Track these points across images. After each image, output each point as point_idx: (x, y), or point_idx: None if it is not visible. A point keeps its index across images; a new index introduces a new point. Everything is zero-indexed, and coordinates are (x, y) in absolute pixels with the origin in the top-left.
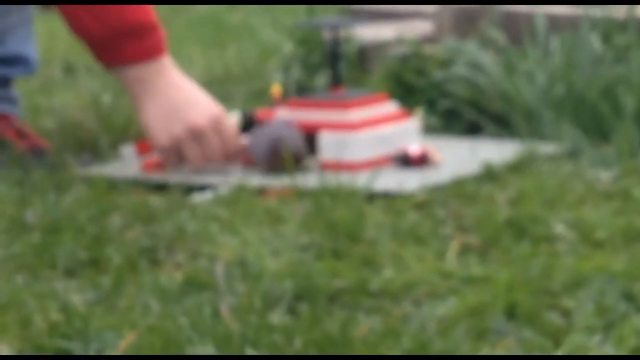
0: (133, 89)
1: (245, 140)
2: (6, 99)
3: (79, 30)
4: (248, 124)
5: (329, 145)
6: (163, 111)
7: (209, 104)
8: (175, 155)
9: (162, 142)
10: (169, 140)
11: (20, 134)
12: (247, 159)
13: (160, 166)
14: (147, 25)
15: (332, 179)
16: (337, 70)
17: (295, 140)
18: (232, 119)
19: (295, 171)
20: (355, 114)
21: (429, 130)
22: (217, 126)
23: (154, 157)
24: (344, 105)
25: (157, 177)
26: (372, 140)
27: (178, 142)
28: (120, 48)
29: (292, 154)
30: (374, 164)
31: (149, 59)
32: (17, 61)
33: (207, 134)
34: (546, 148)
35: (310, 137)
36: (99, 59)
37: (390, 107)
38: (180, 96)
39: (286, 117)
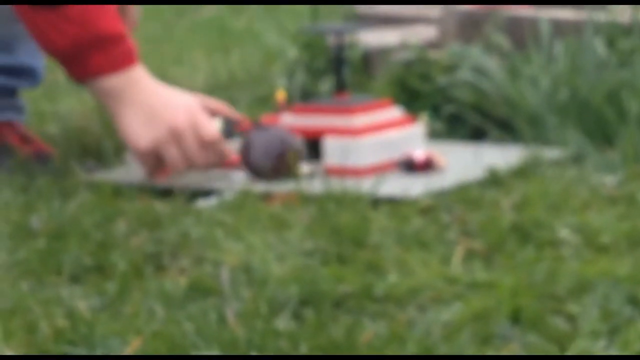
0: (107, 101)
1: (234, 145)
2: (13, 108)
3: (45, 44)
4: (229, 131)
5: (333, 150)
6: (141, 116)
7: (188, 107)
8: (155, 159)
9: (141, 145)
10: (148, 143)
11: (25, 140)
12: (231, 163)
13: (165, 172)
14: (112, 35)
15: (337, 185)
16: (342, 76)
17: (297, 145)
18: (214, 125)
19: (298, 176)
20: (360, 120)
21: (433, 135)
22: (196, 128)
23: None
24: (349, 110)
25: (162, 183)
26: (376, 145)
27: (157, 145)
28: (86, 61)
29: (297, 156)
30: (379, 170)
31: (117, 70)
32: (24, 72)
33: (187, 135)
34: (550, 153)
35: (314, 142)
36: (70, 74)
37: (395, 112)
38: (157, 101)
39: (291, 122)
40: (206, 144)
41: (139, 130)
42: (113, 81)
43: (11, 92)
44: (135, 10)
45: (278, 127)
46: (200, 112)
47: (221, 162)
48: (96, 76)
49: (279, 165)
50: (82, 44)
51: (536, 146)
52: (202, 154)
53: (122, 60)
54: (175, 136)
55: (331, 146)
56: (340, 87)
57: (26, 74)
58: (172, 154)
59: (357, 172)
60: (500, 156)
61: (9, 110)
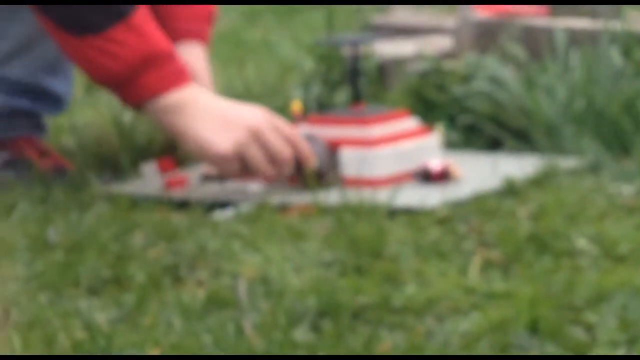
0: (171, 119)
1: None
2: (34, 126)
3: (97, 71)
4: None
5: (350, 161)
6: (215, 123)
7: (259, 109)
8: (238, 162)
9: (222, 150)
10: (230, 147)
11: (43, 154)
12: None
13: (182, 184)
14: (164, 53)
15: (354, 196)
16: (357, 87)
17: (319, 156)
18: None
19: (318, 187)
20: (377, 130)
21: (449, 145)
22: (275, 124)
23: (178, 175)
24: (365, 121)
25: (179, 195)
26: (393, 156)
27: (239, 147)
28: (142, 81)
29: (315, 170)
30: (396, 180)
31: (176, 87)
32: (52, 99)
33: (268, 132)
34: (567, 162)
35: (331, 153)
36: (126, 99)
37: (411, 122)
38: (226, 108)
39: (310, 133)
40: (288, 139)
41: (216, 136)
42: (174, 97)
43: (34, 115)
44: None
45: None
46: (272, 114)
47: (304, 159)
48: (155, 95)
49: (296, 177)
50: (136, 65)
51: (553, 156)
52: (285, 149)
53: (178, 77)
54: (256, 135)
55: (348, 157)
56: (356, 98)
57: (53, 100)
58: (255, 153)
59: (373, 183)
60: (517, 166)
61: (30, 128)
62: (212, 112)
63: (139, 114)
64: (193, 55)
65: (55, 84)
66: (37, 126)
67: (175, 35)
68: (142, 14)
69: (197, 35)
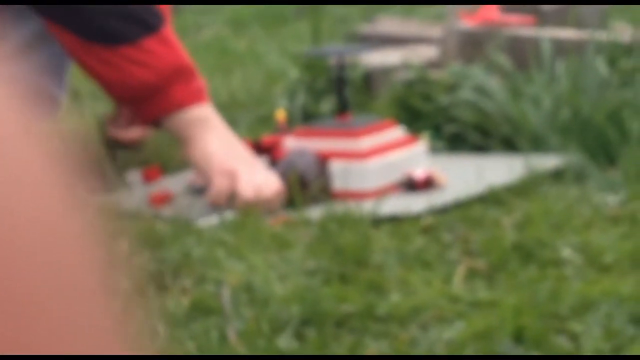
0: (191, 130)
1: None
2: None
3: (126, 81)
4: None
5: (339, 174)
6: (224, 142)
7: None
8: (229, 181)
9: (225, 166)
10: (231, 164)
11: None
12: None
13: (168, 199)
14: (190, 67)
15: (339, 205)
16: (344, 97)
17: (307, 169)
18: None
19: (304, 199)
20: (366, 142)
21: (434, 154)
22: (261, 167)
23: (163, 189)
24: (354, 133)
25: (162, 207)
26: (382, 168)
27: (237, 168)
28: (171, 92)
29: (299, 181)
30: (385, 192)
31: (199, 101)
32: (50, 102)
33: (258, 169)
34: (550, 161)
35: (320, 166)
36: (149, 111)
37: (398, 132)
38: (230, 132)
39: (298, 146)
40: (270, 186)
41: (222, 152)
42: (197, 112)
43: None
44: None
45: (292, 152)
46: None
47: (276, 204)
48: (182, 108)
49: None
50: (168, 76)
51: (536, 157)
52: (267, 189)
53: (201, 92)
54: (249, 165)
55: (337, 170)
56: (343, 108)
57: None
58: (245, 179)
59: (362, 195)
60: (502, 171)
61: None
62: (223, 131)
63: (155, 128)
64: None
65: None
66: None
67: None
68: (169, 29)
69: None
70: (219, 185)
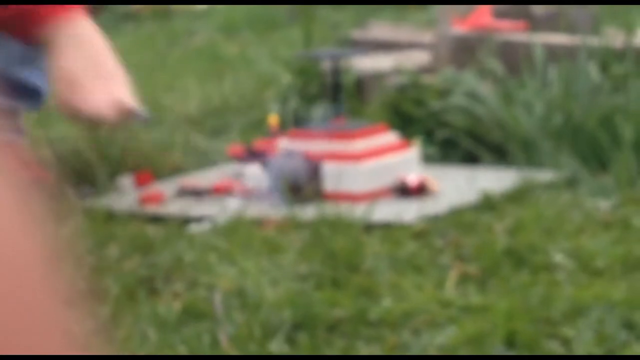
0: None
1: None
2: (15, 129)
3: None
4: None
5: (332, 176)
6: (87, 57)
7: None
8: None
9: (70, 76)
10: (78, 75)
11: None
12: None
13: (158, 200)
14: None
15: (331, 210)
16: (338, 101)
17: (298, 170)
18: None
19: (296, 201)
20: (359, 145)
21: (427, 159)
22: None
23: (154, 190)
24: (348, 135)
25: (155, 210)
26: (375, 170)
27: (82, 79)
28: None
29: (291, 184)
30: (375, 195)
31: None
32: (30, 93)
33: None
34: (544, 176)
35: (312, 167)
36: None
37: (390, 137)
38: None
39: (289, 148)
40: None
41: (77, 66)
42: (66, 28)
43: (13, 115)
44: None
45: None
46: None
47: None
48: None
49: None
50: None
51: (530, 170)
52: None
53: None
54: (101, 81)
55: (331, 171)
56: (337, 112)
57: (31, 94)
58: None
59: (354, 197)
60: (494, 180)
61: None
62: (94, 49)
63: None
64: None
65: (30, 77)
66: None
67: None
68: None
69: None
70: (60, 94)
